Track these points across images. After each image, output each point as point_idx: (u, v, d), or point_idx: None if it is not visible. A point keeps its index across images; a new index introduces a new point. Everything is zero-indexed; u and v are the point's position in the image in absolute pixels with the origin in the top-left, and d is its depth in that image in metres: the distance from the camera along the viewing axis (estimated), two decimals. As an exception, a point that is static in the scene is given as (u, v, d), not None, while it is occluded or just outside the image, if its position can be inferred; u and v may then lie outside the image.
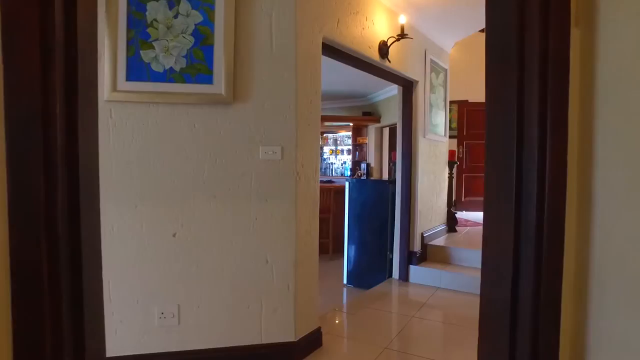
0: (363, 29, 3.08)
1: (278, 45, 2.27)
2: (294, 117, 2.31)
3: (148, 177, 2.12)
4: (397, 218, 4.30)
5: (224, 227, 2.24)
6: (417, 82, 4.12)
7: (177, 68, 2.04)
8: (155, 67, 2.00)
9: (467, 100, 7.25)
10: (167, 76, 2.03)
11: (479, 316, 0.95)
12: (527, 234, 0.82)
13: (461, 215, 6.32)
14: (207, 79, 2.09)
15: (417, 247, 4.27)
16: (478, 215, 6.70)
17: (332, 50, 2.86)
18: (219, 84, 2.11)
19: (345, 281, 4.71)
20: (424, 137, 4.32)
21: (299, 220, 2.38)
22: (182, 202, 2.17)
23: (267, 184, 2.29)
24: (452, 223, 5.18)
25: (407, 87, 4.13)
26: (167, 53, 2.00)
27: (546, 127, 0.78)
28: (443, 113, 4.88)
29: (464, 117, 7.25)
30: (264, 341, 2.32)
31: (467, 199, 7.27)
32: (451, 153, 5.25)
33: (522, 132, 0.82)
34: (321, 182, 2.87)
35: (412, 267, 4.21)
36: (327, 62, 2.57)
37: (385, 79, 3.83)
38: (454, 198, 5.46)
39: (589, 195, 0.79)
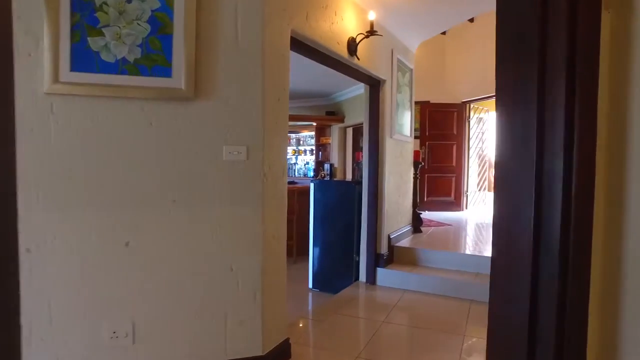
0: (332, 24, 2.95)
1: (244, 36, 2.10)
2: (261, 114, 2.15)
3: (97, 181, 1.89)
4: (363, 219, 4.21)
5: (184, 234, 2.04)
6: (384, 81, 4.04)
7: (130, 58, 1.82)
8: (105, 56, 1.77)
9: (429, 101, 7.31)
10: (120, 67, 1.81)
11: (486, 338, 0.84)
12: (549, 242, 0.72)
13: (424, 215, 6.35)
14: (166, 71, 1.89)
15: (384, 249, 4.20)
16: (441, 215, 6.75)
17: (300, 45, 2.72)
18: (179, 78, 1.91)
19: (310, 285, 4.58)
20: (391, 137, 4.26)
21: (266, 225, 2.22)
22: (136, 208, 1.95)
23: (232, 186, 2.12)
24: (417, 224, 5.17)
25: (374, 86, 4.05)
26: (119, 41, 1.78)
27: (574, 125, 0.67)
28: (409, 113, 4.85)
29: (426, 117, 7.31)
30: (229, 357, 2.14)
31: (430, 199, 7.33)
32: (416, 153, 5.23)
33: (543, 132, 0.71)
34: (288, 184, 2.71)
35: (379, 270, 4.13)
36: (291, 59, 2.42)
37: (353, 77, 3.73)
38: (418, 198, 5.46)
39: (621, 198, 0.70)
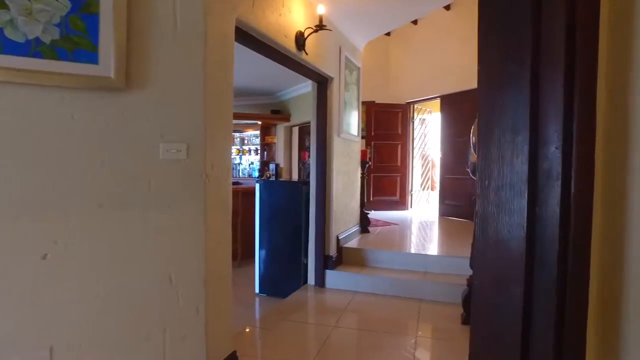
0: (280, 15, 2.80)
1: (184, 21, 1.89)
2: (202, 109, 1.95)
3: (4, 184, 1.60)
4: (311, 221, 4.09)
5: (114, 243, 1.80)
6: (332, 78, 3.95)
7: (46, 39, 1.56)
8: (11, 34, 1.49)
9: (374, 102, 7.35)
10: (32, 49, 1.54)
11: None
12: (545, 250, 0.62)
13: (371, 215, 6.36)
14: (91, 57, 1.64)
15: (332, 250, 4.11)
16: (387, 215, 6.80)
17: (245, 36, 2.54)
18: (107, 65, 1.67)
19: (257, 290, 4.39)
20: (339, 136, 4.18)
21: (209, 230, 2.02)
22: (56, 214, 1.68)
23: (170, 188, 1.90)
24: (365, 223, 5.14)
25: (322, 83, 3.94)
26: (29, 17, 1.51)
27: (573, 112, 0.58)
28: (356, 112, 4.81)
29: (372, 117, 7.34)
30: (169, 378, 1.92)
31: (376, 198, 7.37)
32: (363, 153, 5.21)
33: (537, 120, 0.62)
34: (234, 184, 2.53)
35: (328, 272, 4.03)
36: (235, 53, 2.23)
37: (300, 74, 3.59)
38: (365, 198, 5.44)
39: (621, 198, 0.62)
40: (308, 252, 4.12)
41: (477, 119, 0.75)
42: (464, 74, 6.33)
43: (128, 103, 1.79)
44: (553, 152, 0.62)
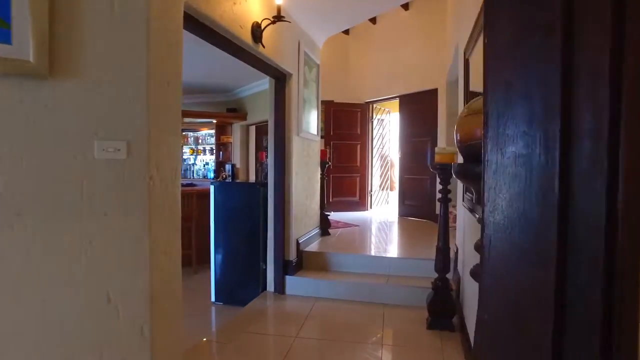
0: (234, 3, 2.58)
1: (123, 4, 1.65)
2: (145, 102, 1.71)
3: None
4: (270, 224, 3.89)
5: (37, 257, 1.53)
6: (290, 75, 3.77)
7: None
8: None
9: (333, 101, 7.23)
10: None
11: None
12: (582, 279, 0.47)
13: (332, 216, 6.22)
14: (2, 35, 1.37)
15: (292, 255, 3.92)
16: (347, 216, 6.69)
17: (196, 24, 2.31)
18: (24, 47, 1.40)
19: (213, 298, 4.12)
20: (298, 135, 4.00)
21: (154, 240, 1.78)
22: (-40, 225, 1.39)
23: (107, 192, 1.65)
24: (325, 226, 4.99)
25: (280, 79, 3.75)
26: None
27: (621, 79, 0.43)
28: (316, 111, 4.65)
29: (331, 117, 7.22)
30: (106, 411, 1.67)
31: (336, 199, 7.26)
32: (323, 153, 5.06)
33: (570, 88, 0.47)
34: (181, 185, 2.29)
35: (288, 278, 3.84)
36: (186, 47, 2.00)
37: (257, 68, 3.38)
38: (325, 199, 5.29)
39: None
40: (267, 257, 3.91)
41: (483, 110, 0.59)
42: (423, 74, 6.33)
43: (54, 93, 1.53)
44: (594, 146, 0.46)
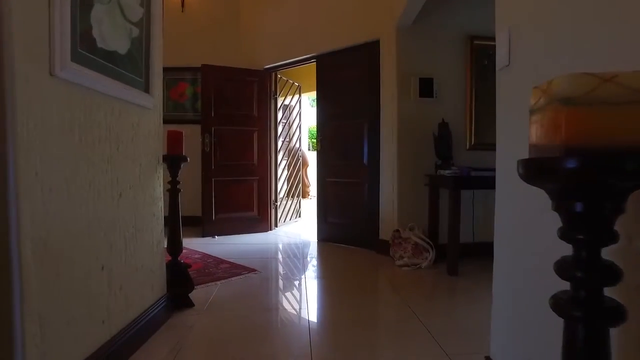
0: None
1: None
2: None
3: None
4: None
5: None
6: None
7: None
8: None
9: (213, 65, 4.62)
10: None
11: None
12: None
13: (212, 245, 3.56)
14: None
15: None
16: (239, 241, 4.01)
17: None
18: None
19: None
20: (53, 74, 1.36)
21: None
22: None
23: None
24: (183, 289, 2.37)
25: None
26: None
27: None
28: (137, 29, 2.02)
29: (212, 90, 4.59)
30: None
31: (221, 215, 4.65)
32: (174, 136, 2.45)
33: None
34: None
35: None
36: None
37: None
38: (181, 231, 2.70)
39: None
40: None
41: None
42: (353, 19, 4.02)
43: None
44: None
